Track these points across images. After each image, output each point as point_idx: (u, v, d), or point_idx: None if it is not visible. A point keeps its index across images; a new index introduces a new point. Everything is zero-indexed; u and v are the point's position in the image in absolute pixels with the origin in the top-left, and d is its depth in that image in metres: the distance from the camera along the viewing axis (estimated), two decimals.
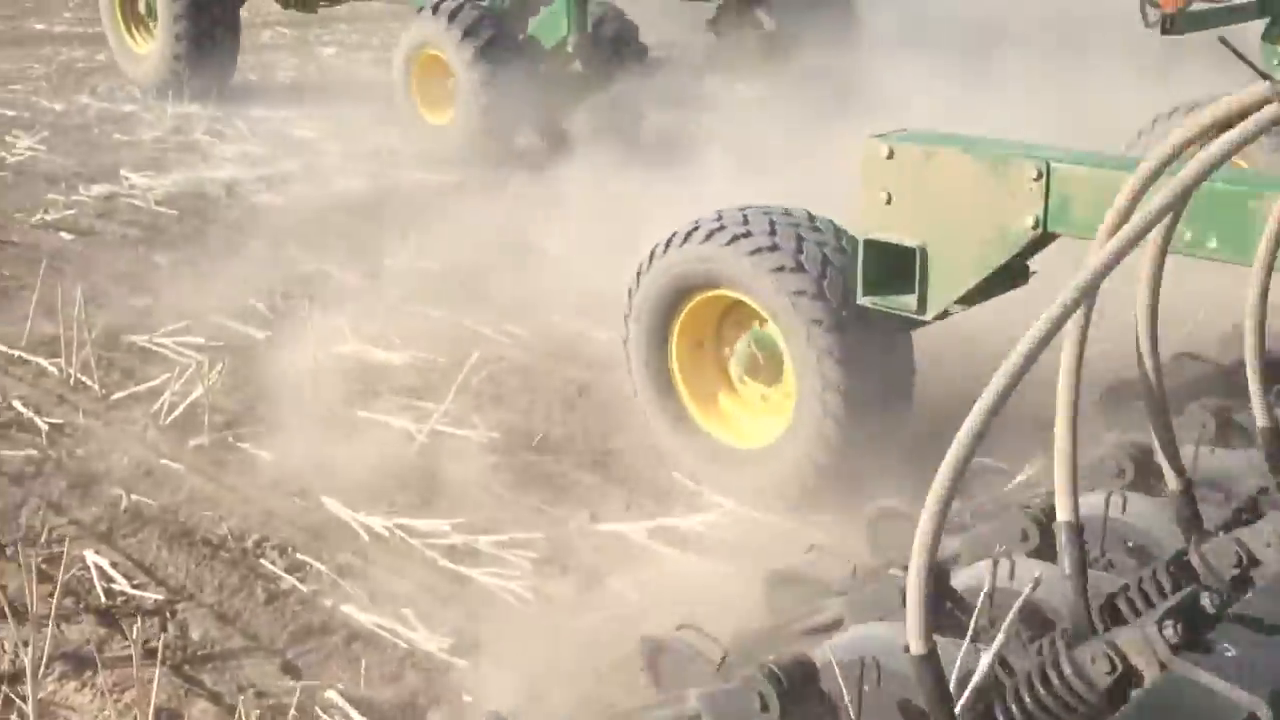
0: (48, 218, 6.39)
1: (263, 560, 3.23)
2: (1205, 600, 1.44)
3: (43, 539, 3.32)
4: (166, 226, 6.41)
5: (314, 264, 5.76)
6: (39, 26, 15.44)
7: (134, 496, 3.54)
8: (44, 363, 4.47)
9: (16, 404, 4.12)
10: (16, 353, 4.57)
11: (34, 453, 3.79)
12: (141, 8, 9.91)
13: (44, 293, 5.16)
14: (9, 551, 3.20)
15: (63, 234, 6.22)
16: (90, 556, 3.20)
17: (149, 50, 9.74)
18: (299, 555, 3.24)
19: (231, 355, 4.60)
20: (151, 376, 4.39)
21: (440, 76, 7.55)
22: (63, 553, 3.22)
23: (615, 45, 7.87)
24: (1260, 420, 1.85)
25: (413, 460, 3.78)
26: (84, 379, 4.31)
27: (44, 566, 3.19)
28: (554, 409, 4.19)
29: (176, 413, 4.01)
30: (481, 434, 3.94)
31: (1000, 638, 1.46)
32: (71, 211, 6.58)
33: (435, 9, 7.41)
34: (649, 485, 3.58)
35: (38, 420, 3.99)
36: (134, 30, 10.03)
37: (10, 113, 9.47)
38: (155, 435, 3.94)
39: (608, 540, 3.26)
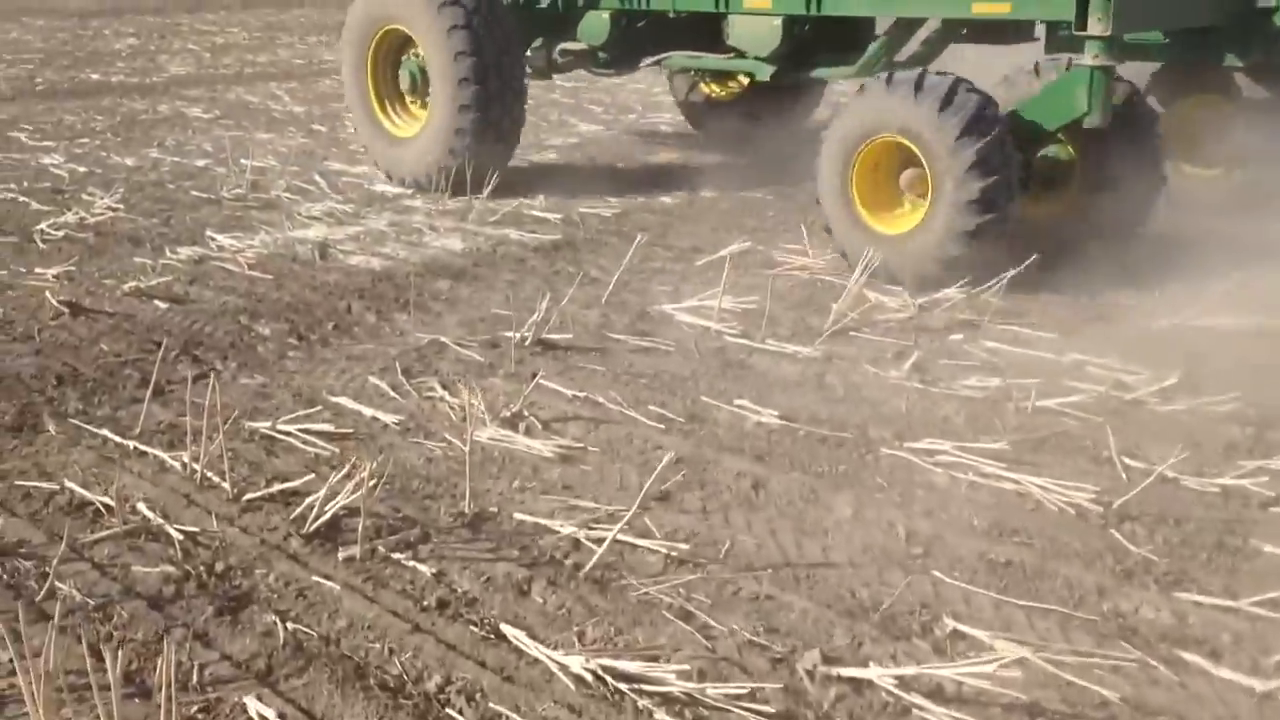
0: (140, 285, 5.98)
1: (450, 710, 2.76)
2: None
3: (194, 680, 2.86)
4: (264, 293, 6.00)
5: (427, 334, 5.33)
6: (95, 77, 15.26)
7: (289, 625, 3.08)
8: (164, 456, 4.04)
9: (143, 507, 3.68)
10: (132, 443, 4.14)
11: (170, 569, 3.35)
12: (403, 82, 8.24)
13: (148, 371, 4.76)
14: (156, 698, 2.74)
15: (157, 303, 5.82)
16: (253, 705, 2.75)
17: (415, 131, 8.12)
18: (492, 704, 2.77)
19: (365, 445, 4.17)
20: (283, 472, 3.96)
21: (888, 169, 5.98)
22: (220, 699, 2.78)
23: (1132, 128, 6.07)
24: None
25: (593, 579, 3.32)
26: (212, 475, 3.87)
27: (200, 717, 2.74)
28: (732, 510, 3.73)
29: (321, 519, 3.56)
30: (661, 543, 3.47)
31: None
32: (164, 278, 6.18)
33: (918, 86, 5.62)
34: (877, 619, 3.10)
35: (168, 528, 3.55)
36: (391, 109, 8.40)
37: (82, 169, 9.15)
38: (300, 546, 3.49)
39: (851, 691, 2.79)
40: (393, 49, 8.25)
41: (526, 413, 4.39)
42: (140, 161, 9.50)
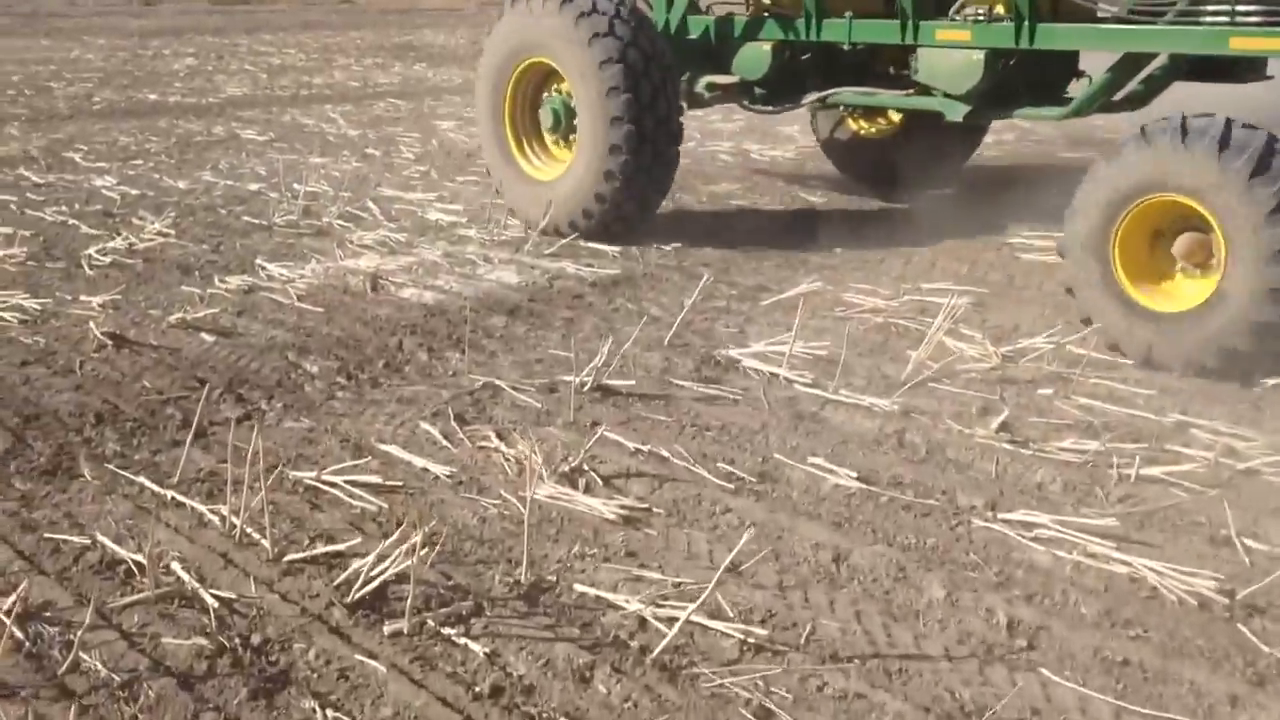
0: (186, 316, 5.77)
1: None
2: None
3: None
4: (314, 327, 5.77)
5: (481, 375, 5.06)
6: (152, 97, 15.27)
7: (330, 712, 2.80)
8: (203, 508, 3.78)
9: (176, 567, 3.43)
10: (170, 493, 3.90)
11: (203, 641, 3.08)
12: (545, 120, 7.57)
13: (190, 411, 4.53)
14: None
15: (203, 335, 5.60)
16: None
17: (557, 173, 7.47)
18: None
19: (414, 499, 3.90)
20: (327, 530, 3.69)
21: (1155, 235, 5.07)
22: None
23: None
24: None
25: (661, 665, 3.01)
26: (252, 532, 3.61)
27: None
28: (812, 586, 3.40)
29: (367, 586, 3.28)
30: (736, 625, 3.15)
31: None
32: (211, 309, 5.97)
33: (1223, 142, 4.67)
34: None
35: (203, 593, 3.28)
36: (530, 149, 7.76)
37: (135, 191, 9.02)
38: (343, 617, 3.21)
39: None
40: (534, 84, 7.58)
41: (587, 467, 4.10)
42: (193, 184, 9.36)
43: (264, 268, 6.86)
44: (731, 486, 4.00)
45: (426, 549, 3.38)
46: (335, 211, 8.24)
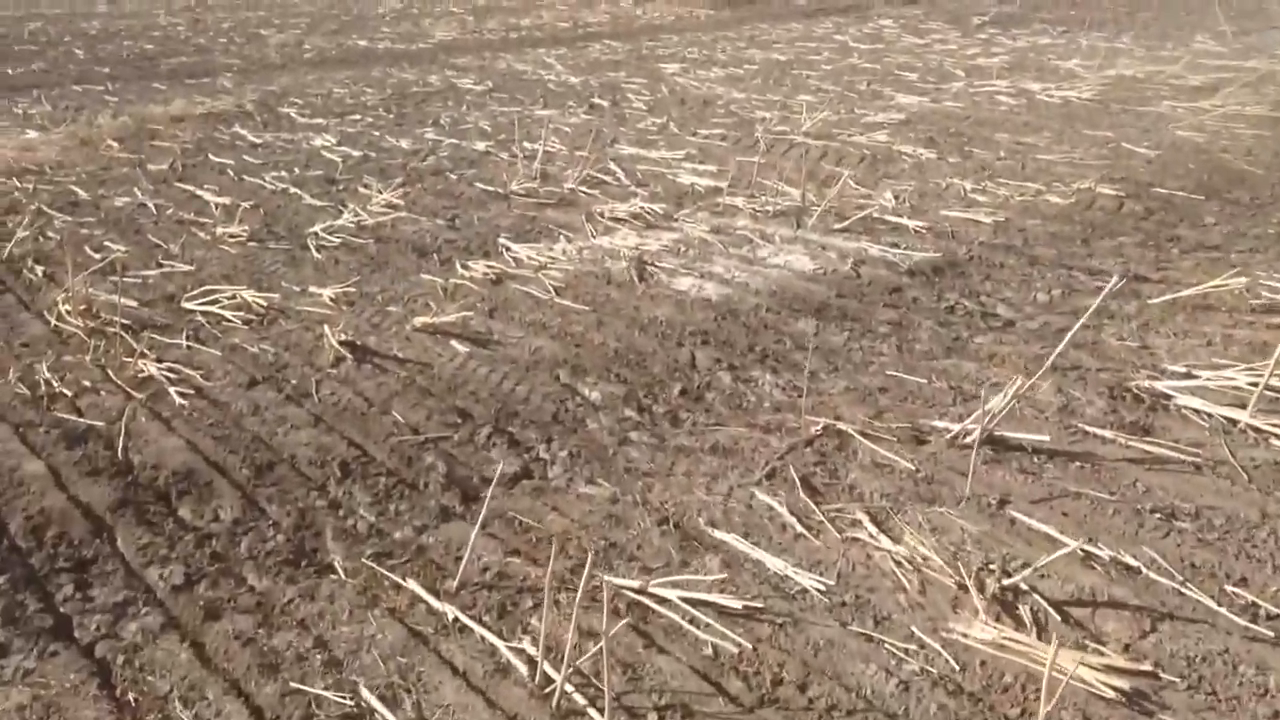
0: (433, 320, 4.71)
1: None
2: None
3: None
4: (582, 334, 4.63)
5: (813, 414, 3.79)
6: (362, 43, 14.50)
7: None
8: (497, 642, 2.66)
9: None
10: (449, 610, 2.79)
11: None
12: None
13: (455, 463, 3.44)
14: None
15: (455, 344, 4.53)
16: None
17: None
18: None
19: (784, 635, 2.68)
20: (679, 692, 2.52)
21: None
22: None
23: None
24: None
25: None
26: (574, 694, 2.47)
27: None
28: None
29: None
30: None
31: None
32: (459, 309, 4.89)
33: None
34: None
35: None
36: None
37: (356, 153, 8.09)
38: None
39: None
40: None
41: (1025, 584, 2.78)
42: (416, 144, 8.38)
43: (508, 248, 5.77)
44: (1268, 633, 2.62)
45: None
46: (575, 176, 7.09)
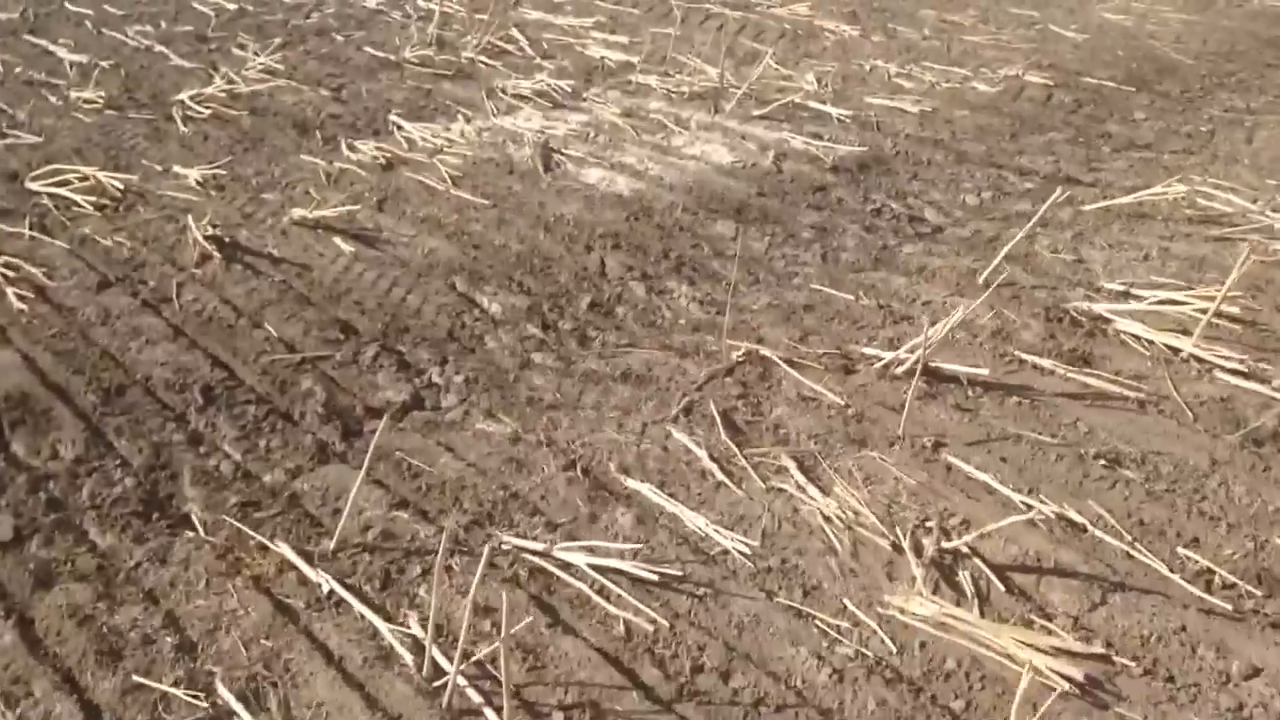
0: (312, 214, 4.20)
1: None
2: None
3: None
4: (482, 234, 4.19)
5: (735, 337, 3.45)
6: None
7: None
8: (378, 622, 2.32)
9: None
10: (324, 581, 2.43)
11: None
12: None
13: (334, 390, 3.05)
14: None
15: (338, 242, 4.05)
16: None
17: None
18: None
19: (705, 610, 2.39)
20: (580, 680, 2.22)
21: None
22: None
23: None
24: None
25: None
26: (466, 687, 2.15)
27: None
28: None
29: None
30: None
31: None
32: (344, 200, 4.39)
33: None
34: None
35: None
36: None
37: (232, 5, 7.29)
38: None
39: None
40: None
41: (966, 548, 2.53)
42: None
43: (400, 126, 5.22)
44: (1225, 606, 2.41)
45: None
46: (475, 44, 6.48)
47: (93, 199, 4.31)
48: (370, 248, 4.05)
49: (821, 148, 5.05)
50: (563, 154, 4.98)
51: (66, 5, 7.10)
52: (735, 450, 2.89)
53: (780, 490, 2.74)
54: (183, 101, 5.40)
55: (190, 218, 4.10)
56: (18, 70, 5.84)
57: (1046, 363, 3.29)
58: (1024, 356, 3.33)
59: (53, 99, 5.43)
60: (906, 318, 3.55)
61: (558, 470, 2.81)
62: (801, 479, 2.76)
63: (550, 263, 3.97)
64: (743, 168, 4.88)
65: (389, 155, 4.88)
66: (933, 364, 3.19)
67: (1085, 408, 3.10)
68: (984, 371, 3.15)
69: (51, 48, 6.20)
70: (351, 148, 4.95)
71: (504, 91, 5.76)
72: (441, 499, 2.70)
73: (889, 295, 3.72)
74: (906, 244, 4.15)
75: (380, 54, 6.36)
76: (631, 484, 2.76)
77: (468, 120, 5.37)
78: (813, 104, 5.61)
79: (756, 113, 5.49)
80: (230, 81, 5.69)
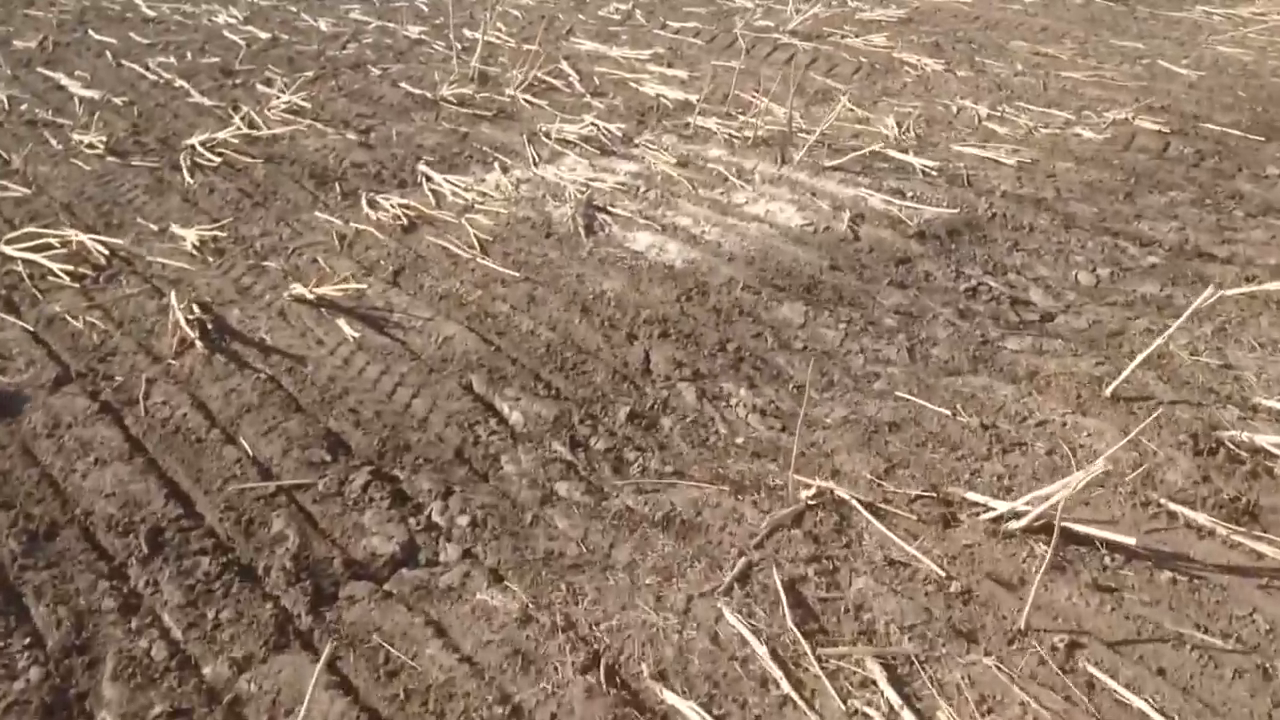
0: (311, 292, 3.60)
1: None
2: None
3: None
4: (506, 315, 3.56)
5: (804, 471, 2.78)
6: None
7: None
8: None
9: None
10: None
11: None
12: None
13: (317, 551, 2.43)
14: None
15: (341, 325, 3.45)
16: None
17: None
18: None
19: None
20: None
21: None
22: None
23: None
24: None
25: None
26: None
27: None
28: None
29: None
30: None
31: None
32: (356, 268, 3.79)
33: None
34: None
35: None
36: None
37: (264, 35, 6.77)
38: None
39: None
40: None
41: None
42: (338, 25, 7.06)
43: (429, 178, 4.63)
44: None
45: None
46: (520, 78, 5.88)
47: (71, 268, 3.75)
48: (378, 333, 3.44)
49: (905, 208, 4.36)
50: (608, 212, 4.35)
51: (90, 33, 6.63)
52: (805, 646, 2.21)
53: (866, 718, 2.06)
54: (193, 147, 4.86)
55: (175, 294, 3.52)
56: (23, 107, 5.35)
57: (1203, 518, 2.56)
58: (1173, 507, 2.60)
59: (54, 141, 4.92)
60: (1018, 444, 2.85)
61: (575, 672, 2.15)
62: (894, 697, 2.08)
63: (585, 356, 3.33)
64: (813, 232, 4.20)
65: (414, 213, 4.28)
66: (1065, 522, 2.48)
67: (1260, 591, 2.37)
68: (1130, 540, 2.43)
69: (65, 81, 5.72)
70: (373, 203, 4.37)
71: (547, 136, 5.14)
72: (422, 713, 2.06)
73: (994, 410, 3.02)
74: (1011, 336, 3.44)
75: (416, 90, 5.78)
76: (670, 699, 2.10)
77: (505, 170, 4.76)
78: (893, 153, 4.91)
79: (829, 163, 4.81)
80: (250, 123, 5.15)
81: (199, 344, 3.31)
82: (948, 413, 3.00)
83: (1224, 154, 5.00)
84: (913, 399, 3.09)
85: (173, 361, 3.26)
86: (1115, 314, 3.59)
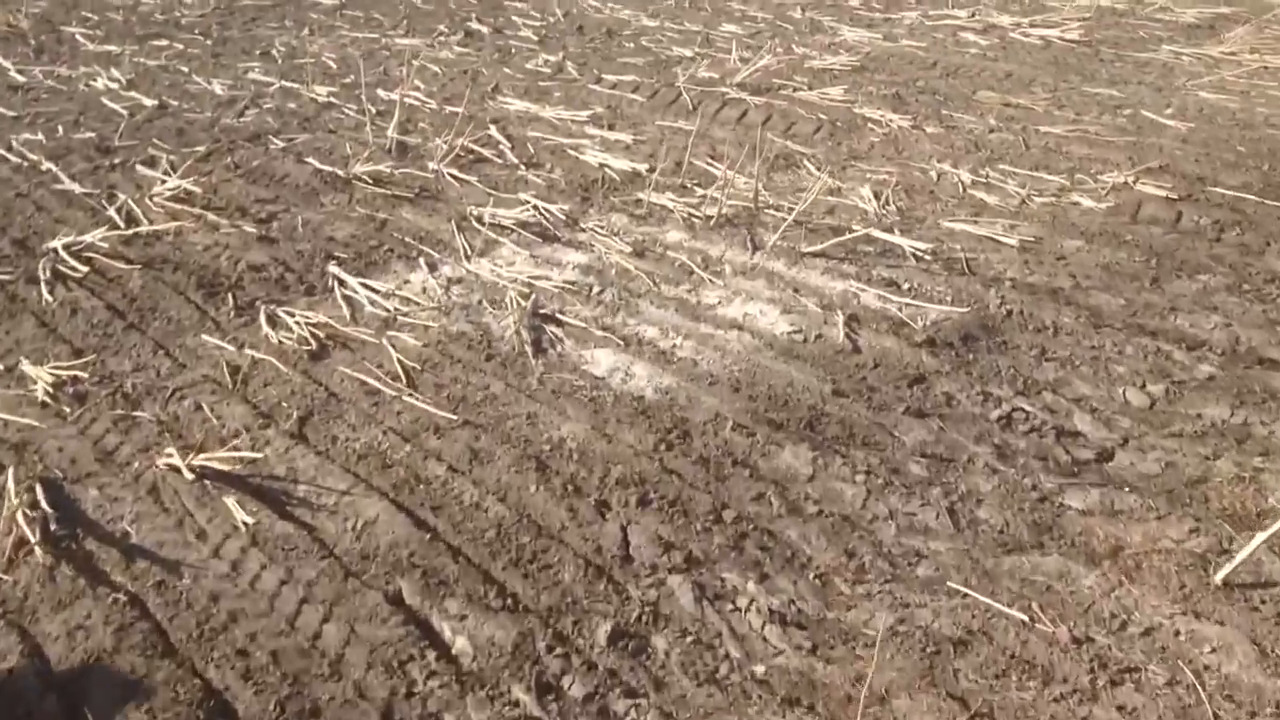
0: (194, 462, 2.80)
1: None
2: None
3: None
4: (442, 487, 2.81)
5: (856, 698, 2.06)
6: None
7: None
8: None
9: None
10: None
11: None
12: None
13: None
14: None
15: (234, 510, 2.65)
16: None
17: None
18: None
19: None
20: None
21: None
22: None
23: None
24: None
25: None
26: None
27: None
28: None
29: None
30: None
31: None
32: (253, 417, 3.00)
33: None
34: None
35: None
36: None
37: (150, 102, 5.93)
38: None
39: None
40: None
41: None
42: (236, 88, 6.24)
43: (342, 283, 3.85)
44: None
45: None
46: (444, 148, 5.12)
47: None
48: (279, 516, 2.65)
49: (905, 306, 3.69)
50: (558, 321, 3.62)
51: None
52: None
53: None
54: (55, 252, 4.02)
55: (13, 472, 2.70)
56: None
57: None
58: None
59: None
60: (1127, 670, 2.17)
61: None
62: None
63: (548, 542, 2.58)
64: (804, 342, 3.51)
65: (325, 330, 3.50)
66: None
67: None
68: None
69: None
70: (273, 320, 3.58)
71: (479, 221, 4.40)
72: None
73: (1080, 612, 2.34)
74: (1071, 489, 2.77)
75: (326, 166, 4.99)
76: None
77: (432, 268, 4.01)
78: (876, 233, 4.25)
79: (807, 248, 4.14)
80: (128, 217, 4.32)
81: (39, 550, 2.49)
82: (1024, 618, 2.32)
83: (1245, 225, 4.43)
84: (973, 594, 2.40)
85: (2, 578, 2.44)
86: (1187, 450, 2.95)
